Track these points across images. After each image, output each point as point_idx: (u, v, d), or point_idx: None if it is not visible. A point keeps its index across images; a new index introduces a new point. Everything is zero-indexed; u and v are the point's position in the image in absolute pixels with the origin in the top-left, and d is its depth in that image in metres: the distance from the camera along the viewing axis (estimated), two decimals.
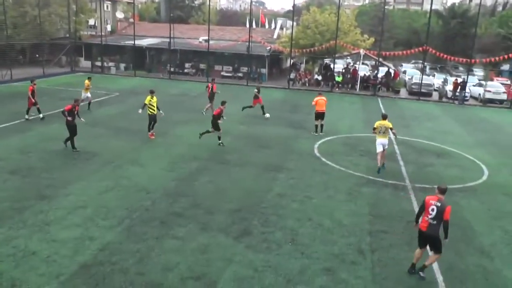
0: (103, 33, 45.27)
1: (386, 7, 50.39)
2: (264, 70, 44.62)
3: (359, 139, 21.52)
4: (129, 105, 26.81)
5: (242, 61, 43.88)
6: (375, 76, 41.28)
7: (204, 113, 24.98)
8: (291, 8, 46.18)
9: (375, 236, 11.28)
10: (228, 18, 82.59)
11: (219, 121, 18.48)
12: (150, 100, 19.20)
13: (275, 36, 48.49)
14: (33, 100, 21.61)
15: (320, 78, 43.02)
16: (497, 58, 41.32)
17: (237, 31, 50.72)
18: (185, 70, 45.45)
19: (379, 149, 16.44)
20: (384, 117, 16.76)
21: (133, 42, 43.52)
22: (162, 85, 36.72)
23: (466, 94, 37.84)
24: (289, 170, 16.10)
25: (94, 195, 12.77)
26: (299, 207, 12.82)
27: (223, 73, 44.61)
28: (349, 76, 42.44)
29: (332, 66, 41.85)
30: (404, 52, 44.25)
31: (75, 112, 17.05)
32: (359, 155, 18.81)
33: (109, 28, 54.66)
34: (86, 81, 25.10)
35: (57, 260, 9.21)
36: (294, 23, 42.94)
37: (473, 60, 40.67)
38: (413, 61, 67.00)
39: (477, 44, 46.08)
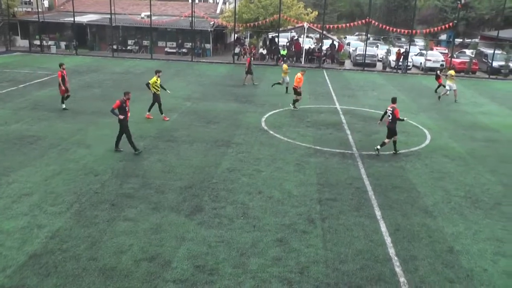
0: (40, 10, 43.05)
1: None
2: (209, 45, 44.17)
3: (305, 111, 21.82)
4: (73, 85, 25.83)
5: (186, 36, 43.19)
6: (320, 49, 41.69)
7: (245, 84, 28.56)
8: None
9: (324, 204, 11.56)
10: None
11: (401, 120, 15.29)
12: (156, 81, 18.71)
13: (218, 11, 47.91)
14: (63, 87, 20.06)
15: (265, 52, 43.05)
16: (435, 29, 43.11)
17: (179, 6, 49.75)
18: (128, 47, 44.30)
19: (449, 88, 25.91)
20: (451, 69, 25.82)
21: (72, 19, 41.82)
22: (105, 64, 35.73)
23: (409, 64, 39.50)
24: (237, 145, 16.15)
25: (40, 181, 12.33)
26: (249, 180, 12.93)
27: (167, 49, 43.87)
28: (293, 49, 42.65)
29: (276, 40, 41.91)
30: (348, 24, 45.02)
31: (126, 107, 14.51)
32: (306, 126, 19.08)
33: (46, 4, 51.97)
34: (285, 65, 26.09)
35: (3, 252, 8.79)
36: None
37: (414, 31, 41.94)
38: (356, 33, 68.03)
39: (417, 16, 47.60)
